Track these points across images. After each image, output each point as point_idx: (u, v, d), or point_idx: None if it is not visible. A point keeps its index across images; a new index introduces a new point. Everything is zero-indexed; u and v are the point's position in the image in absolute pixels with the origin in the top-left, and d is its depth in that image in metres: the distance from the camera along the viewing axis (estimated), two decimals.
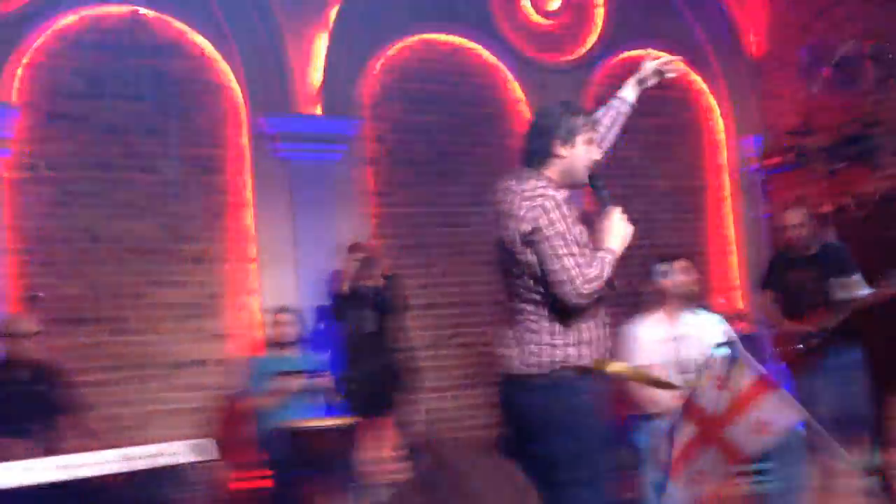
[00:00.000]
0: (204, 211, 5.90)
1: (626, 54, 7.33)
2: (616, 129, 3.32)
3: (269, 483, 5.15)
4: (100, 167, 5.63)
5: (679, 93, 7.37)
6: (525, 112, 6.96)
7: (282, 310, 5.53)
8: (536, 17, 7.08)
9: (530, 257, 2.86)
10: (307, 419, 5.03)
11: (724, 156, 7.67)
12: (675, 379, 4.49)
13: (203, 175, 5.93)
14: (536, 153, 2.98)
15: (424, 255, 6.49)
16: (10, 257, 5.36)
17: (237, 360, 5.81)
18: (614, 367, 3.04)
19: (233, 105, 6.09)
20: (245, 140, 6.08)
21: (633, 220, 3.00)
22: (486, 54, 6.94)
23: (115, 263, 5.60)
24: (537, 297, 2.90)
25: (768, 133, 7.38)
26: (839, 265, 5.37)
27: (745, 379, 3.36)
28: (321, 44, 6.29)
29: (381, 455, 5.92)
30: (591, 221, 3.00)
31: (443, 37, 6.80)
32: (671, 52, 6.97)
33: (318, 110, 6.22)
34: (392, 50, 6.60)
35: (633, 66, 7.14)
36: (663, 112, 7.04)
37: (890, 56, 6.15)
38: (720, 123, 7.67)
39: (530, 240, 2.83)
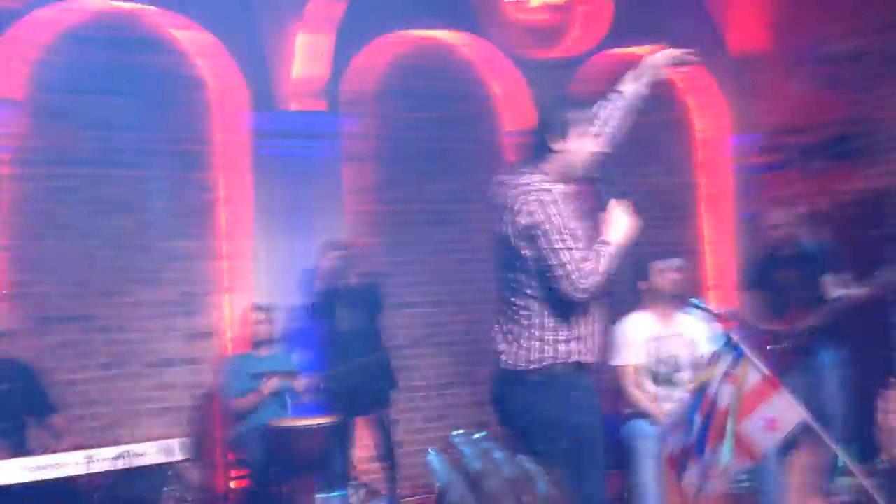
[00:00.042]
0: (183, 207, 5.86)
1: (611, 51, 7.30)
2: (614, 123, 3.29)
3: (245, 483, 5.13)
4: (78, 163, 5.58)
5: (665, 91, 7.35)
6: (506, 109, 6.95)
7: (257, 308, 5.49)
8: (521, 14, 7.04)
9: (528, 252, 2.85)
10: (284, 419, 5.00)
11: (709, 154, 7.66)
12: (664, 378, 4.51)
13: (180, 171, 5.89)
14: (532, 148, 2.98)
15: (404, 253, 6.46)
16: None
17: (213, 358, 5.78)
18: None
19: (210, 100, 6.05)
20: (223, 136, 6.03)
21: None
22: (468, 51, 6.90)
23: (90, 260, 5.56)
24: (533, 293, 2.89)
25: (752, 132, 7.37)
26: (823, 264, 5.38)
27: (752, 377, 3.40)
28: (303, 39, 6.24)
29: (360, 455, 5.90)
30: (593, 216, 2.98)
31: (428, 33, 6.77)
32: (656, 50, 7.04)
33: (300, 106, 6.18)
34: (373, 45, 6.55)
35: (617, 64, 7.23)
36: (649, 110, 6.99)
37: (874, 55, 6.14)
38: (705, 122, 7.66)
39: (528, 234, 2.83)
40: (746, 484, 4.78)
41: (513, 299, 2.94)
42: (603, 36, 7.22)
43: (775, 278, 5.44)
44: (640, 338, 4.53)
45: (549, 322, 2.89)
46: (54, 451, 4.13)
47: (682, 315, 4.69)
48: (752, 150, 7.32)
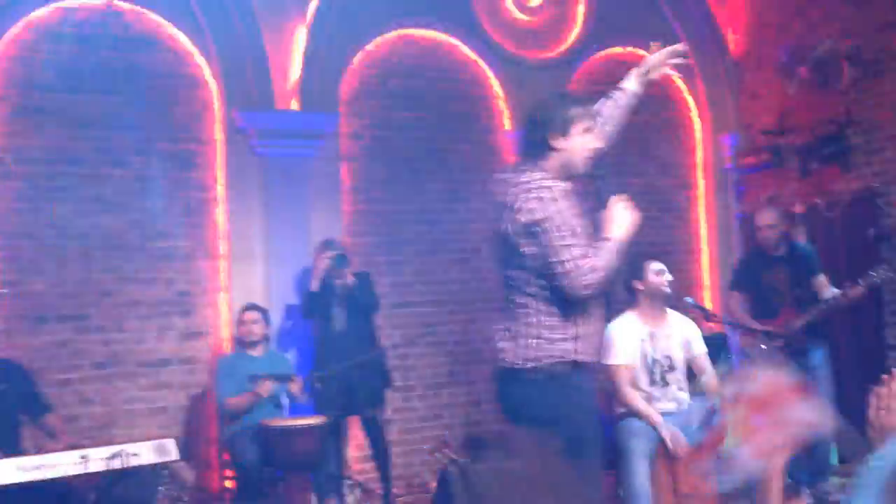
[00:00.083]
0: (176, 207, 5.85)
1: (607, 51, 7.31)
2: (616, 120, 3.31)
3: (239, 483, 5.13)
4: (70, 162, 5.57)
5: (657, 91, 7.35)
6: (504, 109, 6.95)
7: (248, 308, 5.49)
8: (518, 14, 7.05)
9: (528, 249, 2.86)
10: (275, 419, 5.00)
11: (700, 154, 7.67)
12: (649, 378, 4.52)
13: (176, 171, 5.89)
14: (534, 146, 2.98)
15: (398, 253, 6.46)
16: None
17: (208, 358, 5.78)
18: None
19: (208, 100, 6.04)
20: (220, 135, 6.03)
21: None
22: (466, 50, 6.90)
23: (83, 260, 5.55)
24: (534, 291, 2.91)
25: (745, 132, 7.38)
26: (808, 266, 5.41)
27: (773, 381, 3.42)
28: (299, 38, 6.24)
29: (354, 454, 5.91)
30: (593, 213, 2.99)
31: (423, 32, 6.76)
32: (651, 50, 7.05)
33: (295, 106, 6.18)
34: (371, 45, 6.56)
35: (613, 64, 7.25)
36: (641, 110, 7.00)
37: (866, 56, 6.15)
38: (698, 122, 7.67)
39: (531, 231, 2.84)
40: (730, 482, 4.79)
41: (513, 297, 2.96)
42: (600, 36, 7.22)
43: (767, 278, 5.47)
44: (634, 337, 4.54)
45: (549, 321, 2.90)
46: (49, 451, 4.13)
47: (675, 315, 4.71)
48: (745, 150, 7.33)
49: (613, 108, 3.31)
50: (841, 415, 4.94)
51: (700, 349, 4.66)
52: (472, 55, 6.91)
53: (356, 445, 5.92)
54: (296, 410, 5.31)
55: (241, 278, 5.91)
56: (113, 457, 3.96)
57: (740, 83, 7.47)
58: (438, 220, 6.61)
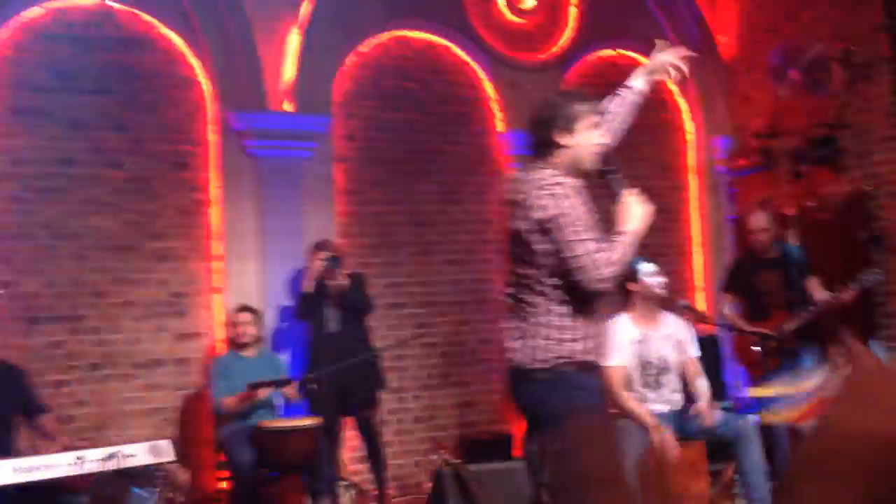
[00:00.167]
0: (170, 208, 5.85)
1: (599, 54, 7.35)
2: (624, 117, 3.34)
3: (230, 484, 5.12)
4: (63, 163, 5.56)
5: (654, 93, 7.38)
6: (496, 110, 6.97)
7: (241, 309, 5.49)
8: (510, 16, 7.07)
9: (545, 246, 2.87)
10: (270, 420, 5.00)
11: (692, 156, 7.70)
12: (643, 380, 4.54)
13: (170, 171, 5.88)
14: (541, 145, 3.00)
15: (392, 255, 6.48)
16: None
17: (200, 359, 5.77)
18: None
19: (202, 100, 6.04)
20: (213, 136, 6.03)
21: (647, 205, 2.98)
22: (459, 52, 6.92)
23: (77, 260, 5.54)
24: (545, 290, 2.92)
25: (736, 134, 7.42)
26: (800, 268, 5.44)
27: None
28: (293, 39, 6.24)
29: (348, 455, 5.92)
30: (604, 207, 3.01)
31: (416, 34, 6.78)
32: (642, 53, 7.08)
33: (289, 107, 6.18)
34: (365, 46, 6.56)
35: (605, 66, 7.27)
36: (639, 112, 7.04)
37: (857, 59, 6.19)
38: (690, 124, 7.71)
39: (546, 228, 2.85)
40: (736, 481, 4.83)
41: (524, 296, 2.97)
42: (592, 38, 7.25)
43: (759, 280, 5.49)
44: (627, 339, 4.56)
45: (559, 321, 2.91)
46: (44, 452, 4.12)
47: (669, 316, 4.73)
48: (737, 152, 7.37)
49: (622, 105, 3.34)
50: None
51: (693, 352, 4.69)
52: (465, 57, 6.93)
53: (350, 446, 5.92)
54: (290, 412, 5.31)
55: (235, 279, 5.91)
56: (108, 458, 3.96)
57: (732, 86, 7.51)
58: (431, 221, 6.62)
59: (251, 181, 6.02)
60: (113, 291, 5.62)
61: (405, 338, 6.01)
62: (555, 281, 2.90)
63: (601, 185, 3.04)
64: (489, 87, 6.98)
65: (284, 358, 5.75)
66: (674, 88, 7.59)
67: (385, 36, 6.65)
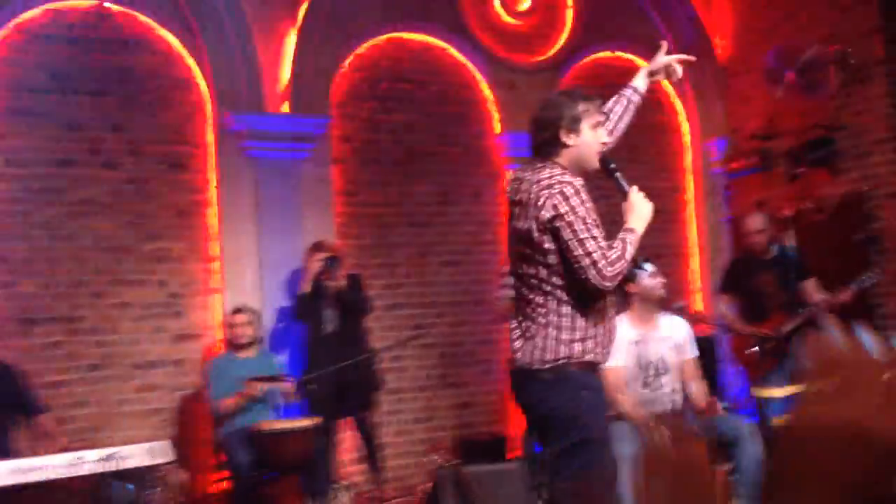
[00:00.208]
0: (167, 209, 5.85)
1: (595, 56, 7.36)
2: (627, 119, 3.36)
3: (229, 485, 5.12)
4: (61, 163, 5.56)
5: (646, 94, 7.39)
6: (494, 112, 6.98)
7: (238, 310, 5.49)
8: (507, 18, 7.08)
9: (550, 246, 2.88)
10: (268, 421, 5.01)
11: (689, 158, 7.72)
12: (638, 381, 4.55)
13: (168, 172, 5.88)
14: (545, 145, 3.01)
15: (389, 256, 6.48)
16: None
17: (198, 360, 5.77)
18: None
19: (200, 102, 6.04)
20: (211, 137, 6.03)
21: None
22: (456, 54, 6.93)
23: (75, 261, 5.54)
24: (551, 289, 2.93)
25: (733, 136, 7.44)
26: (797, 269, 5.45)
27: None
28: (290, 41, 6.25)
29: (345, 456, 5.92)
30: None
31: (413, 36, 6.79)
32: (638, 55, 7.10)
33: (286, 108, 6.19)
34: (362, 48, 6.57)
35: (601, 68, 7.29)
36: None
37: (853, 61, 6.21)
38: (686, 126, 7.72)
39: (551, 227, 2.86)
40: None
41: (531, 296, 2.97)
42: (589, 40, 7.27)
43: (756, 281, 5.51)
44: (625, 340, 4.56)
45: (565, 321, 2.92)
46: (42, 453, 4.11)
47: (667, 317, 4.73)
48: (734, 154, 7.39)
49: (625, 106, 3.36)
50: None
51: (691, 352, 4.69)
52: (462, 59, 6.94)
53: (348, 447, 5.93)
54: (288, 412, 5.31)
55: (233, 280, 5.91)
56: (107, 459, 3.95)
57: (728, 88, 7.53)
58: (429, 222, 6.63)
59: (249, 182, 6.02)
60: (111, 292, 5.62)
61: (403, 339, 6.01)
62: (560, 280, 2.91)
63: (604, 183, 3.05)
64: (486, 89, 6.99)
65: (282, 358, 5.75)
66: (670, 90, 7.61)
67: (382, 38, 6.66)
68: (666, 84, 7.50)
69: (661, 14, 7.44)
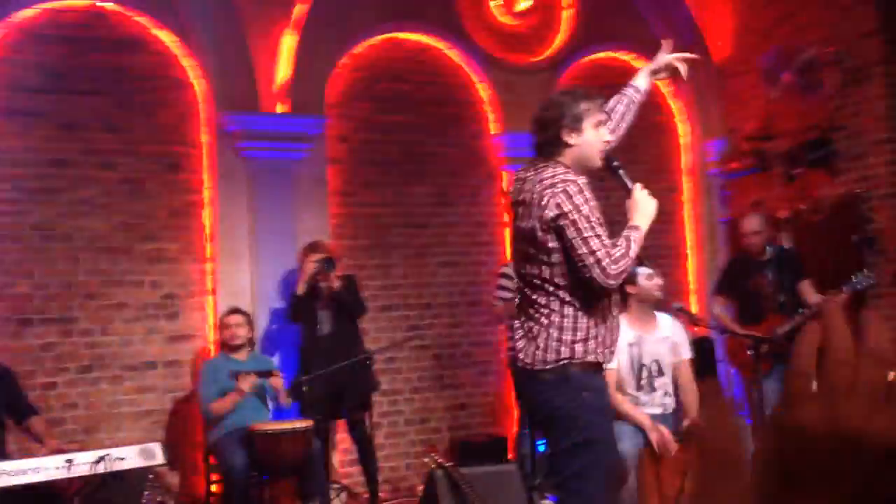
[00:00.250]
0: (162, 209, 5.84)
1: (592, 56, 7.35)
2: (630, 118, 3.36)
3: (222, 487, 5.11)
4: (56, 164, 5.55)
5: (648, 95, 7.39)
6: (490, 113, 6.96)
7: (232, 311, 5.47)
8: (504, 18, 7.06)
9: (554, 244, 2.88)
10: (261, 423, 4.99)
11: (686, 159, 7.71)
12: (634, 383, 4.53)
13: (163, 173, 5.87)
14: (547, 144, 3.00)
15: (385, 256, 6.47)
16: None
17: (192, 362, 5.76)
18: None
19: (195, 102, 6.03)
20: (206, 137, 6.02)
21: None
22: (452, 54, 6.91)
23: (69, 262, 5.53)
24: (554, 290, 2.92)
25: (730, 137, 7.43)
26: (793, 271, 5.44)
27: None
28: (286, 41, 6.23)
29: (341, 458, 5.90)
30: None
31: (410, 36, 6.77)
32: (637, 55, 7.09)
33: (282, 108, 6.17)
34: (358, 48, 6.56)
35: (598, 68, 7.27)
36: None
37: (851, 62, 6.20)
38: (683, 127, 7.71)
39: (555, 226, 2.85)
40: None
41: (534, 296, 2.97)
42: (585, 41, 7.25)
43: (753, 283, 5.50)
44: (622, 341, 4.55)
45: (567, 321, 2.92)
46: (34, 455, 4.10)
47: (664, 318, 4.72)
48: (730, 155, 7.38)
49: (627, 105, 3.36)
50: None
51: (686, 353, 4.68)
52: (459, 59, 6.93)
53: (342, 449, 5.91)
54: (282, 414, 5.29)
55: (228, 281, 5.89)
56: (98, 461, 3.94)
57: (725, 88, 7.51)
58: (425, 223, 6.61)
59: (244, 182, 6.01)
60: (105, 293, 5.60)
61: (399, 340, 6.00)
62: (563, 280, 2.91)
63: (605, 183, 3.04)
64: (483, 90, 6.98)
65: (276, 360, 5.73)
66: (667, 91, 7.59)
67: (379, 38, 6.64)
68: (663, 85, 7.50)
69: (659, 15, 7.42)
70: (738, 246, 5.95)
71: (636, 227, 2.93)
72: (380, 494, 5.65)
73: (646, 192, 2.99)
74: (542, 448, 5.65)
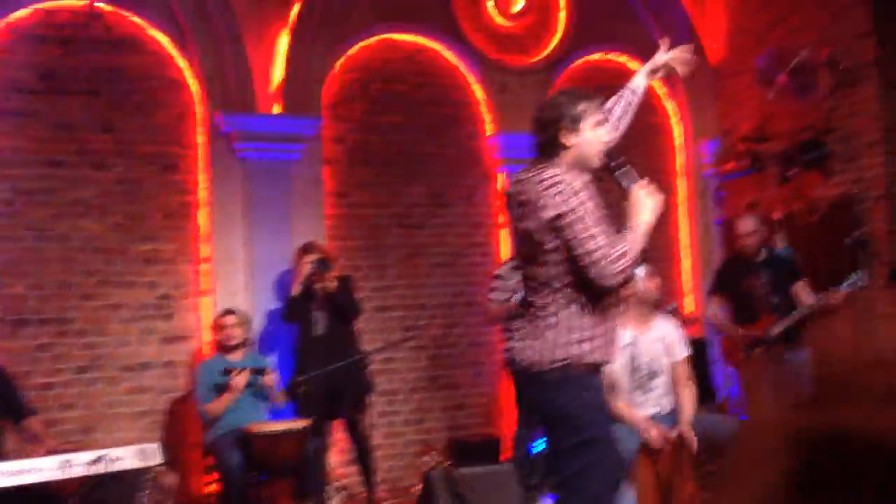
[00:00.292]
0: (158, 210, 5.83)
1: (588, 58, 7.36)
2: (629, 118, 3.37)
3: (219, 487, 5.10)
4: (51, 164, 5.54)
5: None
6: (486, 114, 6.97)
7: (228, 312, 5.46)
8: (499, 19, 7.07)
9: (553, 245, 2.88)
10: (258, 423, 4.98)
11: (681, 160, 7.73)
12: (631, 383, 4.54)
13: (158, 173, 5.86)
14: (546, 145, 3.00)
15: (380, 257, 6.47)
16: None
17: (188, 362, 5.75)
18: None
19: (190, 102, 6.02)
20: (202, 138, 6.01)
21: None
22: (448, 55, 6.92)
23: (64, 263, 5.52)
24: (554, 290, 2.93)
25: (725, 138, 7.46)
26: (789, 271, 5.46)
27: None
28: (282, 41, 6.23)
29: (337, 458, 5.90)
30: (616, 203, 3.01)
31: (405, 37, 6.77)
32: (632, 57, 7.10)
33: (278, 109, 6.17)
34: (354, 49, 6.56)
35: (594, 70, 7.28)
36: None
37: (845, 64, 6.22)
38: (678, 128, 7.73)
39: (555, 226, 2.85)
40: None
41: (535, 297, 2.98)
42: (581, 42, 7.26)
43: (748, 283, 5.51)
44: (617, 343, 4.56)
45: (568, 321, 2.92)
46: (31, 456, 4.08)
47: (660, 319, 4.72)
48: (725, 156, 7.40)
49: (626, 105, 3.38)
50: None
51: (681, 353, 4.69)
52: (454, 60, 6.93)
53: (339, 449, 5.91)
54: (279, 414, 5.29)
55: (224, 282, 5.89)
56: (96, 461, 3.92)
57: (720, 90, 7.54)
58: (420, 224, 6.62)
59: (239, 183, 6.01)
60: (100, 294, 5.59)
61: (394, 340, 6.00)
62: (564, 280, 2.91)
63: (606, 184, 3.04)
64: (478, 91, 6.98)
65: (272, 361, 5.72)
66: (662, 92, 7.61)
67: (374, 39, 6.64)
68: (658, 86, 7.52)
69: (654, 16, 7.44)
70: (733, 247, 5.97)
71: (636, 227, 2.93)
72: (377, 495, 5.65)
73: (647, 190, 2.98)
74: (538, 448, 5.66)
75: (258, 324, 5.85)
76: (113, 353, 5.58)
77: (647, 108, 7.53)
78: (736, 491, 0.64)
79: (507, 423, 6.48)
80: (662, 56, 3.48)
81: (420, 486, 5.20)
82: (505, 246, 6.70)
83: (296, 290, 5.48)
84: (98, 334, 5.56)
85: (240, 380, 5.05)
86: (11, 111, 5.46)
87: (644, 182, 3.01)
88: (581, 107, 2.99)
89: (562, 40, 7.23)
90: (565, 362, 2.91)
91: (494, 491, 4.76)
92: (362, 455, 5.59)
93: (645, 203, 2.96)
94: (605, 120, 3.11)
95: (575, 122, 2.97)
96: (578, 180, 2.90)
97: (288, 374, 5.49)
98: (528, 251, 2.97)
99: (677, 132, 7.73)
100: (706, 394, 6.11)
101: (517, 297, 5.04)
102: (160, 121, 5.90)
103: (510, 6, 7.10)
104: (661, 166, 7.65)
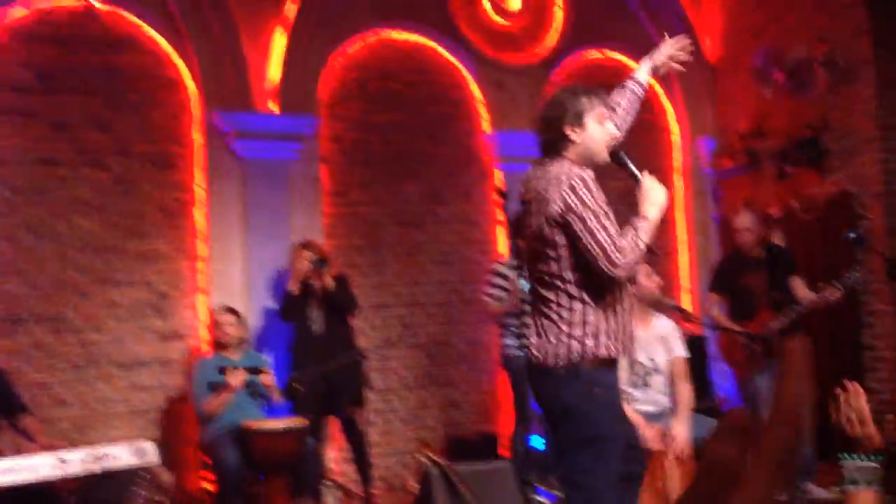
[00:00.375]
0: (154, 208, 5.83)
1: (584, 55, 7.36)
2: (633, 112, 3.38)
3: (215, 486, 5.10)
4: (47, 163, 5.54)
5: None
6: (483, 112, 6.97)
7: (224, 310, 5.46)
8: (496, 17, 7.08)
9: (561, 239, 2.89)
10: (255, 421, 4.98)
11: (678, 157, 7.73)
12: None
13: (155, 172, 5.87)
14: (552, 142, 3.01)
15: (378, 255, 6.47)
16: None
17: (184, 360, 5.75)
18: None
19: (187, 101, 6.03)
20: (199, 137, 6.01)
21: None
22: (445, 54, 6.92)
23: (60, 261, 5.52)
24: (561, 285, 2.93)
25: (721, 136, 7.46)
26: (785, 268, 5.46)
27: None
28: (278, 40, 6.23)
29: (334, 456, 5.90)
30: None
31: (402, 35, 6.78)
32: (629, 55, 7.11)
33: (275, 107, 6.17)
34: (351, 48, 6.56)
35: (590, 67, 7.28)
36: None
37: (841, 62, 6.23)
38: (675, 125, 7.73)
39: (562, 221, 2.86)
40: None
41: (544, 293, 2.98)
42: (577, 40, 7.27)
43: (745, 280, 5.52)
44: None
45: (578, 316, 2.92)
46: (26, 454, 4.08)
47: (659, 317, 4.73)
48: (722, 153, 7.41)
49: (631, 99, 3.39)
50: (820, 414, 5.01)
51: (680, 351, 4.69)
52: (451, 58, 6.94)
53: (336, 447, 5.91)
54: (275, 412, 5.29)
55: (220, 280, 5.89)
56: (91, 459, 3.92)
57: (717, 87, 7.54)
58: (417, 222, 6.62)
59: (236, 182, 6.01)
60: (96, 292, 5.60)
61: (391, 338, 6.00)
62: (572, 275, 2.92)
63: (611, 176, 3.05)
64: (475, 88, 6.98)
65: (269, 359, 5.73)
66: (659, 90, 7.61)
67: (371, 37, 6.65)
68: (655, 83, 7.51)
69: (650, 14, 7.44)
70: (731, 244, 5.97)
71: (644, 218, 2.92)
72: (374, 492, 5.65)
73: (655, 181, 2.98)
74: (535, 445, 5.66)
75: (255, 322, 5.85)
76: (109, 351, 5.59)
77: (645, 105, 7.49)
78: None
79: (504, 420, 6.48)
80: (662, 55, 3.49)
81: (418, 484, 5.20)
82: (502, 243, 6.71)
83: (293, 287, 5.49)
84: (94, 332, 5.56)
85: (236, 378, 5.05)
86: (8, 110, 5.47)
87: (648, 175, 3.01)
88: (584, 101, 2.99)
89: (558, 38, 7.24)
90: (575, 357, 2.91)
91: (492, 488, 4.76)
92: (359, 452, 5.59)
93: (654, 195, 2.96)
94: (611, 114, 3.12)
95: (578, 118, 2.98)
96: (586, 174, 2.90)
97: (285, 372, 5.49)
98: (536, 248, 2.98)
99: (674, 130, 7.73)
100: (704, 392, 6.11)
101: (518, 295, 5.04)
102: (157, 119, 5.91)
103: (507, 4, 7.10)
104: (658, 164, 7.65)
